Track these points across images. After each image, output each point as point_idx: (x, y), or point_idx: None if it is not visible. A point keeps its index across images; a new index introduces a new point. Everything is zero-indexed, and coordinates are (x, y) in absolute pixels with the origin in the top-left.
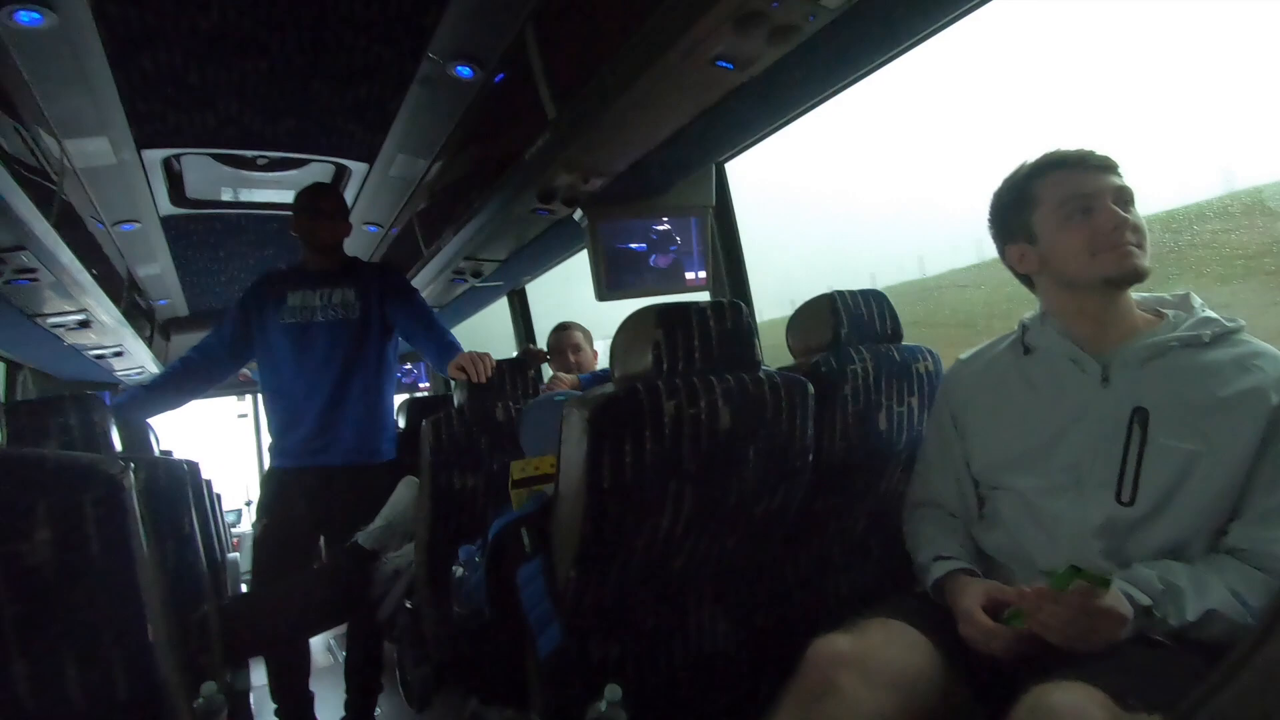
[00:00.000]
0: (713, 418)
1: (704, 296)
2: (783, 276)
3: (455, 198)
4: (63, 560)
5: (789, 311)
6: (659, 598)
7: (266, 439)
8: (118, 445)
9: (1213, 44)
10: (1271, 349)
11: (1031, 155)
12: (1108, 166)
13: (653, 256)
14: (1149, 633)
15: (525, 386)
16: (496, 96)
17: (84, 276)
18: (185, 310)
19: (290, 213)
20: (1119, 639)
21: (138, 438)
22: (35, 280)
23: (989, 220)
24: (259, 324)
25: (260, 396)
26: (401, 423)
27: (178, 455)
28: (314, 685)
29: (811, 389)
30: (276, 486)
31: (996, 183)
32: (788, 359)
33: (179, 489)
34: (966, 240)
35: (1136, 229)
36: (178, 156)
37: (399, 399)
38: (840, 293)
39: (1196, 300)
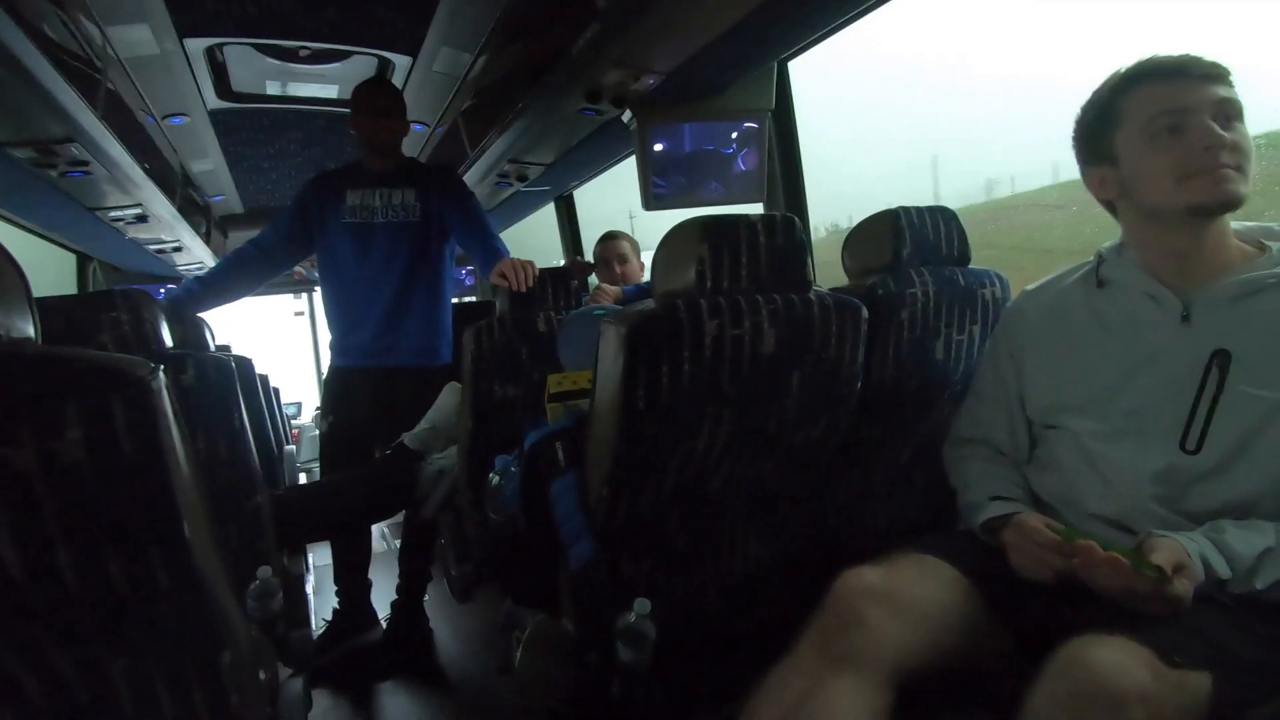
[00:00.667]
0: (757, 340)
1: (758, 209)
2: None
3: (500, 96)
4: (94, 458)
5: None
6: (692, 519)
7: (324, 336)
8: (168, 341)
9: None
10: None
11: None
12: (1212, 75)
13: (704, 164)
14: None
15: (568, 297)
16: None
17: (135, 171)
18: (240, 207)
19: (337, 109)
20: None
21: (192, 334)
22: (89, 173)
23: (1072, 139)
24: (319, 222)
25: (318, 294)
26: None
27: (235, 351)
28: (370, 571)
29: (865, 313)
30: (340, 385)
31: None
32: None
33: (229, 385)
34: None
35: (1236, 148)
36: (220, 47)
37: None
38: (904, 209)
39: None
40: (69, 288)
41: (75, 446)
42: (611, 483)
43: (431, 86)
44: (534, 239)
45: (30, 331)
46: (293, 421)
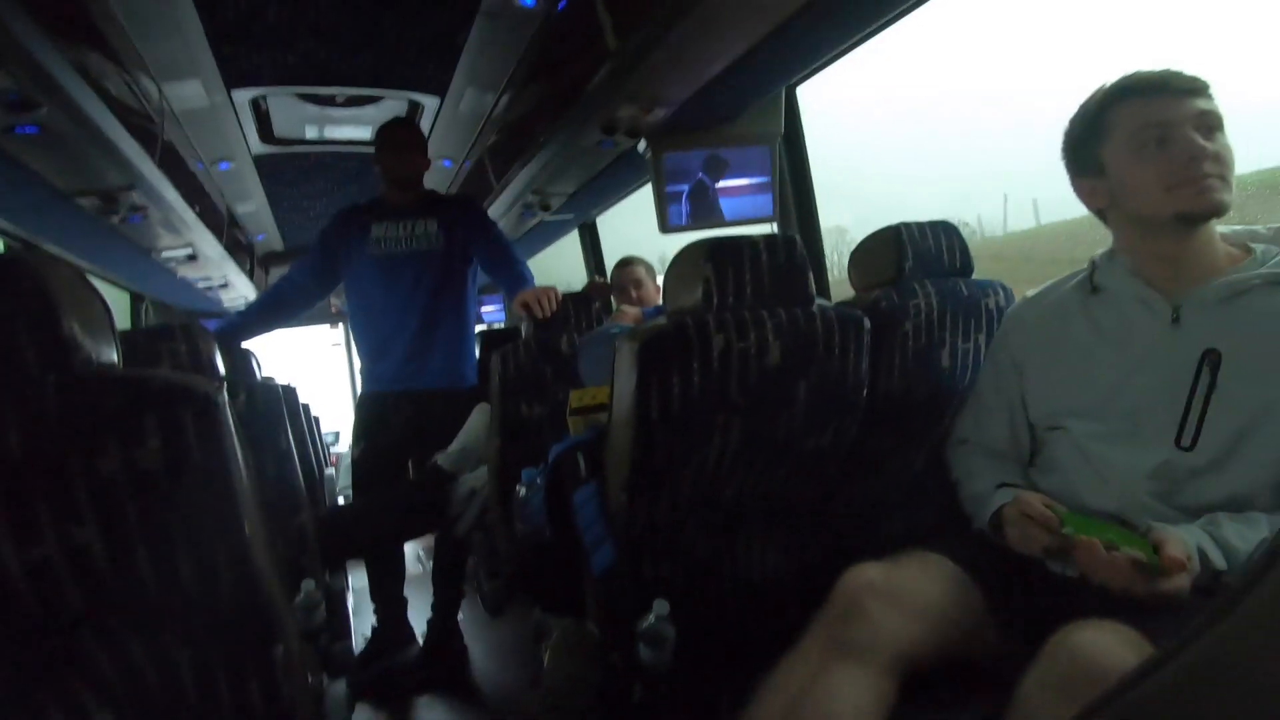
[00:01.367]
0: (762, 352)
1: (773, 230)
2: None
3: (522, 132)
4: (169, 464)
5: None
6: (709, 524)
7: (358, 364)
8: (221, 370)
9: None
10: None
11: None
12: (1193, 89)
13: (718, 188)
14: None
15: (589, 319)
16: (559, 27)
17: (188, 214)
18: (280, 245)
19: (370, 149)
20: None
21: (241, 365)
22: (146, 217)
23: (1061, 151)
24: (345, 256)
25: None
26: (478, 354)
27: (278, 381)
28: (405, 591)
29: (868, 325)
30: (371, 411)
31: None
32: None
33: (276, 410)
34: None
35: (1218, 159)
36: (263, 96)
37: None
38: (907, 224)
39: None
40: (123, 324)
41: (153, 454)
42: (629, 490)
43: (458, 125)
44: (561, 265)
45: (114, 357)
46: (331, 449)
